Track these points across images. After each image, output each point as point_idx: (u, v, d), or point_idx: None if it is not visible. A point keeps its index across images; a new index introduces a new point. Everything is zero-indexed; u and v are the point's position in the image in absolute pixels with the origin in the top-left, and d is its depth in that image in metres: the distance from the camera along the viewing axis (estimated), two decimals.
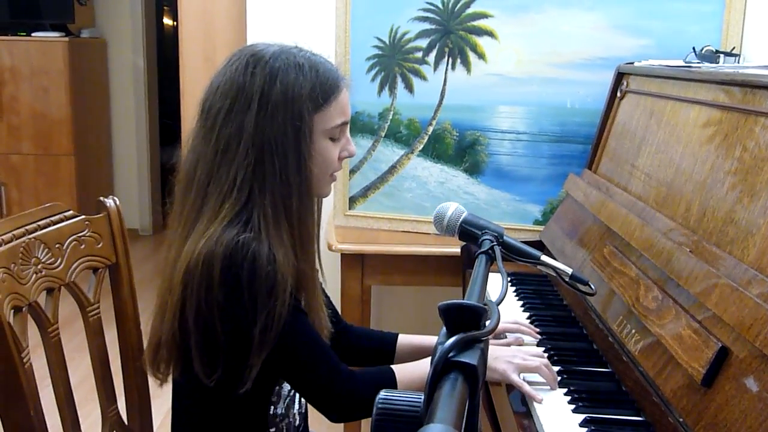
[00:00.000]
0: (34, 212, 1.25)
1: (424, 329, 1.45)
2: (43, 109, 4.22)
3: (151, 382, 1.30)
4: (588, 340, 1.40)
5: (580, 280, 1.15)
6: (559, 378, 1.22)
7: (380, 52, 2.12)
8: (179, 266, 1.12)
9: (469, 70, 2.07)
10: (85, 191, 4.39)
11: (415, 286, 2.64)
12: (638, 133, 1.61)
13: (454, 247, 1.93)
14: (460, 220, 1.16)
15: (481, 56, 2.05)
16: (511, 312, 1.56)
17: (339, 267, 2.11)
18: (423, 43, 2.08)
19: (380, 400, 0.59)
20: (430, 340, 1.41)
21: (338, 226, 2.21)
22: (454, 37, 2.06)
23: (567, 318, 1.52)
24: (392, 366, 1.24)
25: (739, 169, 1.15)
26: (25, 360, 1.11)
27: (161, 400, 1.71)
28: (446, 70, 2.09)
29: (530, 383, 1.19)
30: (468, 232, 1.15)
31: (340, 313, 1.48)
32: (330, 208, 2.21)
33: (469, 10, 2.03)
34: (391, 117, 2.14)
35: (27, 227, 1.21)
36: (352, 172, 2.19)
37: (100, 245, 1.35)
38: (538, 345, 1.37)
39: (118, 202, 1.40)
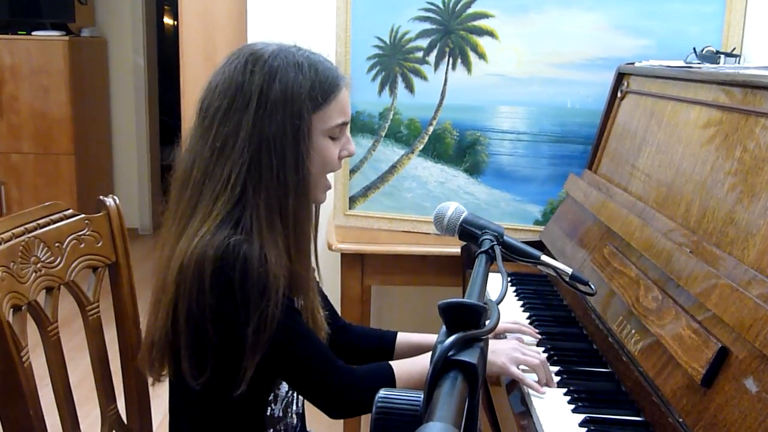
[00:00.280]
0: (33, 211, 1.25)
1: (424, 329, 1.45)
2: (43, 108, 4.22)
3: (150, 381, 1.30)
4: (588, 340, 1.39)
5: (580, 280, 1.15)
6: (558, 378, 1.22)
7: (381, 52, 2.12)
8: (173, 265, 1.12)
9: (469, 70, 2.07)
10: (84, 190, 4.39)
11: (415, 286, 2.63)
12: (638, 134, 1.61)
13: (454, 247, 1.93)
14: (460, 219, 1.16)
15: (481, 56, 2.05)
16: (511, 312, 1.56)
17: (339, 267, 2.11)
18: (423, 42, 2.08)
19: (380, 399, 0.59)
20: (430, 338, 1.41)
21: (338, 226, 2.21)
22: (455, 37, 2.06)
23: (567, 318, 1.52)
24: (390, 362, 1.24)
25: (739, 170, 1.15)
26: (24, 359, 1.11)
27: (161, 399, 1.70)
28: (447, 70, 2.09)
29: None
30: (468, 231, 1.15)
31: (339, 313, 1.47)
32: (330, 208, 2.21)
33: (470, 10, 2.03)
34: (391, 117, 2.14)
35: (27, 226, 1.20)
36: (353, 171, 2.19)
37: (99, 244, 1.35)
38: (537, 345, 1.37)
39: (117, 201, 1.40)
